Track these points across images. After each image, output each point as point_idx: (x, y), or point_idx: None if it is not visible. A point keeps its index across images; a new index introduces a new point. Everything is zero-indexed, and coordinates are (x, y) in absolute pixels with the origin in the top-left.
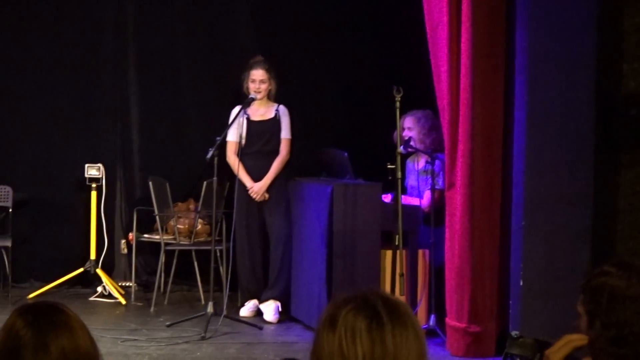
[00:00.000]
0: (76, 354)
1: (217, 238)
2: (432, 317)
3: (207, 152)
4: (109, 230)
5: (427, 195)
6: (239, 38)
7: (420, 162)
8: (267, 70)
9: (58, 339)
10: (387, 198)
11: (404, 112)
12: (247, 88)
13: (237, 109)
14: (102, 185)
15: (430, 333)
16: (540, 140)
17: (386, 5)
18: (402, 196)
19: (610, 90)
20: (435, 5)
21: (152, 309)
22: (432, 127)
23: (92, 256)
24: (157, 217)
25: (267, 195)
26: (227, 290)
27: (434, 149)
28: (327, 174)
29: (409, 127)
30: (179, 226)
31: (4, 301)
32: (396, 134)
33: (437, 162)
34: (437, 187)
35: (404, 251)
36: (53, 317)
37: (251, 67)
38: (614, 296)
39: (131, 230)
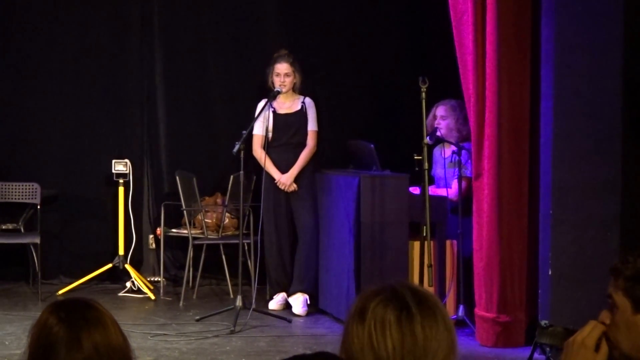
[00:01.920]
0: (108, 350)
1: (244, 232)
2: (461, 307)
3: (233, 146)
4: (137, 225)
5: (454, 185)
6: (265, 31)
7: (447, 152)
8: (292, 64)
9: (91, 335)
10: (415, 191)
11: (429, 103)
12: (272, 82)
13: (262, 102)
14: (129, 180)
15: (460, 323)
16: (567, 128)
17: None
18: (430, 187)
19: (638, 77)
20: None
21: (181, 303)
22: (467, 118)
23: (121, 251)
24: (185, 212)
25: (295, 186)
26: (256, 283)
27: (469, 138)
28: (354, 166)
29: (442, 116)
30: (206, 220)
31: (34, 298)
32: (429, 122)
33: (463, 152)
34: (464, 176)
35: (432, 242)
36: (85, 313)
37: (275, 61)
38: None
39: (159, 225)
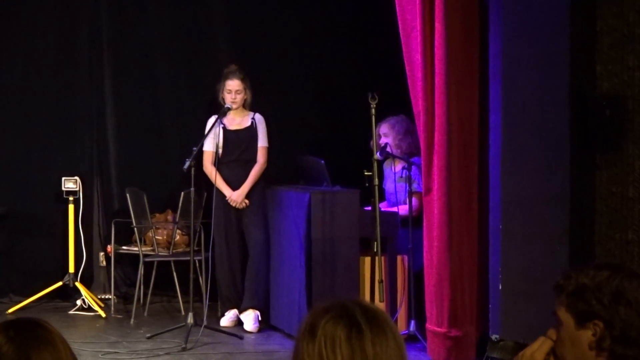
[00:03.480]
0: None
1: (195, 248)
2: (413, 322)
3: (184, 163)
4: (87, 242)
5: (405, 204)
6: (215, 46)
7: (397, 167)
8: (243, 80)
9: (40, 354)
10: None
11: (379, 118)
12: (223, 98)
13: (213, 118)
14: (79, 197)
15: (411, 338)
16: (516, 143)
17: (360, 11)
18: (381, 204)
19: (585, 92)
20: (409, 11)
21: (132, 321)
22: (407, 132)
23: (71, 269)
24: (135, 229)
25: (247, 202)
26: (207, 300)
27: (411, 153)
28: (304, 182)
29: (385, 134)
30: (157, 237)
31: None
32: (372, 141)
33: (413, 167)
34: (414, 191)
35: (382, 257)
36: (35, 333)
37: (226, 77)
38: (620, 295)
39: (109, 243)
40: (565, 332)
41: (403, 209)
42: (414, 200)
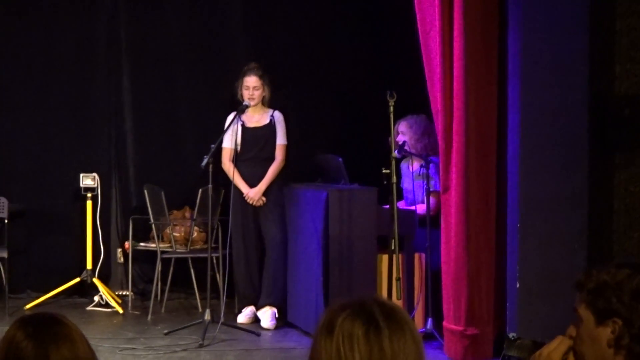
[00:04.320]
0: None
1: (213, 245)
2: (430, 320)
3: (202, 160)
4: (105, 239)
5: (423, 205)
6: (233, 45)
7: (414, 165)
8: (261, 77)
9: (59, 350)
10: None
11: (398, 116)
12: (241, 95)
13: (232, 115)
14: (97, 194)
15: (428, 337)
16: (534, 142)
17: (380, 10)
18: (399, 203)
19: (604, 91)
20: (428, 10)
21: (149, 317)
22: (425, 133)
23: (89, 266)
24: (153, 226)
25: (264, 199)
26: (224, 297)
27: (427, 155)
28: (322, 180)
29: (402, 132)
30: (174, 234)
31: (2, 312)
32: (390, 139)
33: (431, 165)
34: (432, 189)
35: (400, 255)
36: (53, 329)
37: (244, 74)
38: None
39: (127, 239)
40: (584, 329)
41: (421, 208)
42: (432, 199)
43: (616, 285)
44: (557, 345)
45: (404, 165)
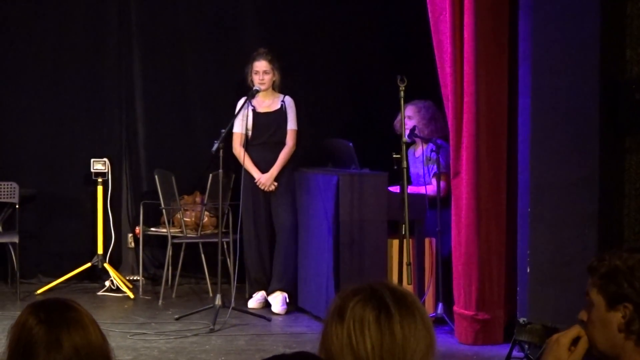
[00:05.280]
0: (88, 350)
1: (223, 230)
2: (440, 305)
3: (212, 145)
4: (116, 224)
5: (433, 182)
6: (244, 30)
7: (418, 150)
8: (270, 61)
9: (70, 335)
10: (395, 190)
11: (408, 101)
12: (251, 80)
13: (242, 100)
14: (108, 179)
15: (439, 321)
16: (545, 126)
17: None
18: (409, 187)
19: (615, 75)
20: None
21: (160, 302)
22: (432, 118)
23: (100, 251)
24: (164, 211)
25: (275, 184)
26: (235, 282)
27: (435, 139)
28: (333, 164)
29: (409, 116)
30: (185, 219)
31: (13, 297)
32: (397, 122)
33: (441, 149)
34: (442, 171)
35: (410, 240)
36: (65, 314)
37: (254, 59)
38: None
39: (138, 224)
40: (596, 313)
41: (429, 189)
42: (442, 182)
43: (628, 270)
44: (569, 330)
45: (410, 151)
